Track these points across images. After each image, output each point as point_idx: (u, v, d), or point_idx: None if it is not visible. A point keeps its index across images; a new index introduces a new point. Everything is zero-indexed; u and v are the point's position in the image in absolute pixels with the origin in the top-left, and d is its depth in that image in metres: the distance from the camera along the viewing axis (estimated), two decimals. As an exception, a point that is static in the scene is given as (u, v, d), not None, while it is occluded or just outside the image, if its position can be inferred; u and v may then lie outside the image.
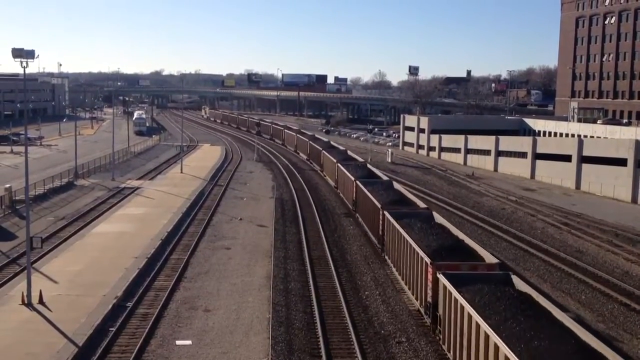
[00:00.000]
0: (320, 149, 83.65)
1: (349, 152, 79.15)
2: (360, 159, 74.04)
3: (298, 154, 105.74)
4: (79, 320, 29.32)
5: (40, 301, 31.51)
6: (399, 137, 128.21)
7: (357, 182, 52.51)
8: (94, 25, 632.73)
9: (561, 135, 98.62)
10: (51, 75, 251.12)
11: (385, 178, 57.41)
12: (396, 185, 52.55)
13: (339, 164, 65.53)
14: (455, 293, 24.04)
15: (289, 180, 76.11)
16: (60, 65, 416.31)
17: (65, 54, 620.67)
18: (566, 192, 72.42)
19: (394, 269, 37.57)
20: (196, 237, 46.52)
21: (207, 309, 31.90)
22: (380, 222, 41.28)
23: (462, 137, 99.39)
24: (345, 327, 29.52)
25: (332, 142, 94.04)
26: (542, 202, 65.08)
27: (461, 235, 33.96)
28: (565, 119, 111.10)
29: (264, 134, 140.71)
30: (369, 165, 67.72)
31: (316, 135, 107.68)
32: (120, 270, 37.30)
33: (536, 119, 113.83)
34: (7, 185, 58.19)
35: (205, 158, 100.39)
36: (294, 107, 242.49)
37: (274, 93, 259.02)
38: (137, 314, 31.05)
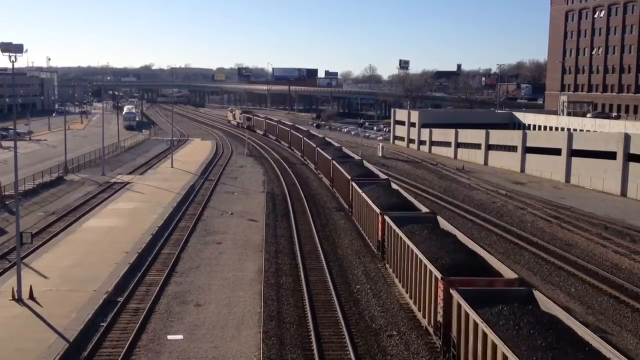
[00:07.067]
0: (301, 136, 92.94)
1: (327, 139, 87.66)
2: (336, 144, 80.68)
3: (280, 142, 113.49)
4: (70, 315, 29.26)
5: (31, 296, 31.39)
6: (389, 131, 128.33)
7: (334, 161, 61.41)
8: (83, 20, 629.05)
9: (551, 128, 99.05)
10: (40, 69, 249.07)
11: (357, 158, 65.96)
12: (366, 164, 61.18)
13: (318, 148, 74.46)
14: (395, 227, 33.65)
15: (279, 174, 76.08)
16: (49, 59, 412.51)
17: (54, 48, 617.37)
18: (556, 186, 72.77)
19: (358, 225, 46.65)
20: (187, 232, 46.45)
21: (198, 303, 31.90)
22: (350, 191, 50.16)
23: (453, 131, 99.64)
24: (336, 321, 29.59)
25: (311, 131, 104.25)
26: (532, 195, 65.36)
27: (409, 197, 43.90)
28: (555, 113, 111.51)
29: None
30: (343, 149, 75.26)
31: (296, 125, 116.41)
32: (111, 265, 37.23)
33: (526, 113, 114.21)
34: (-4, 181, 57.88)
35: (195, 153, 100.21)
36: (284, 101, 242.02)
37: (265, 87, 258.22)
38: (128, 309, 30.99)
